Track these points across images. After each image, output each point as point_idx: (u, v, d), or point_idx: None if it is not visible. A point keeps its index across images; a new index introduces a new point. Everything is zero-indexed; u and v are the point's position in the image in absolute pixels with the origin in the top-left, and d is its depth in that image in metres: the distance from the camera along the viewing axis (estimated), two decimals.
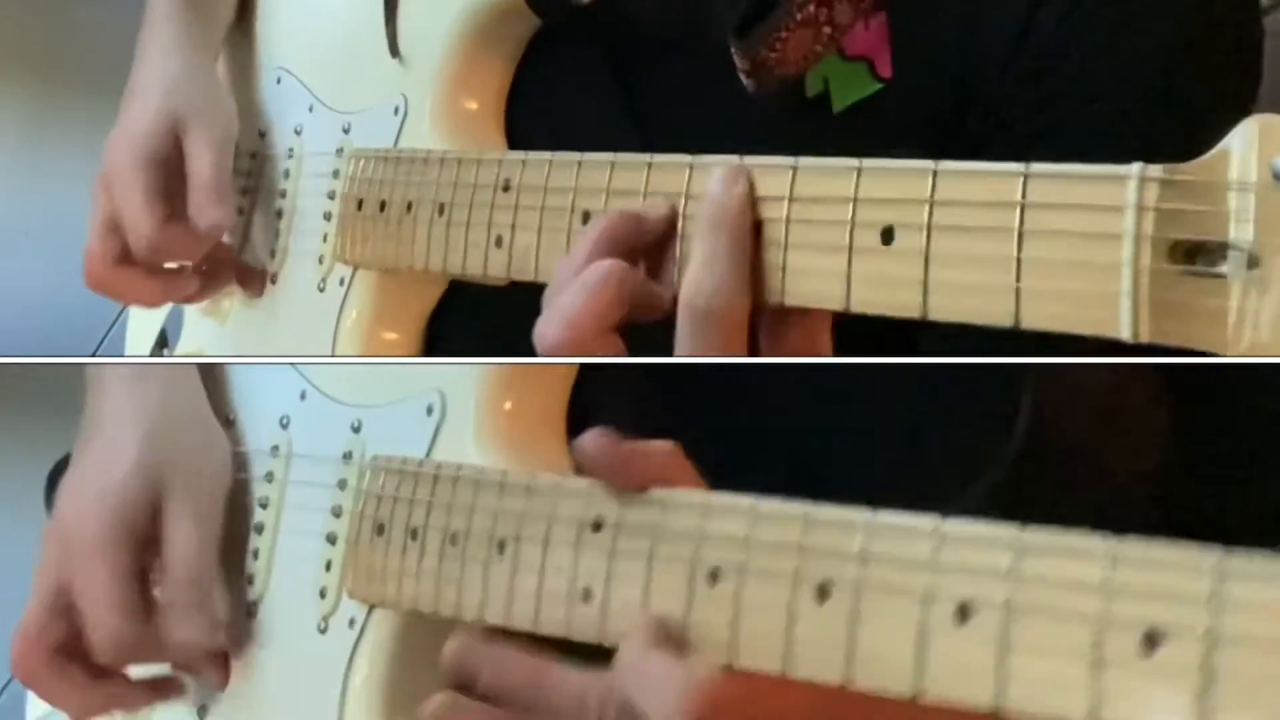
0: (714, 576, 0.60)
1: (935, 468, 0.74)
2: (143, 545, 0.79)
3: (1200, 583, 0.46)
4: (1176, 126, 0.71)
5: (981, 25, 0.73)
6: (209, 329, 1.00)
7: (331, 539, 0.79)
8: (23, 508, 0.86)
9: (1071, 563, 0.49)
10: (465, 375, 0.77)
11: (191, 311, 1.03)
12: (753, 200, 0.64)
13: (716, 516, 0.60)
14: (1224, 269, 0.52)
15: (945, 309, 0.59)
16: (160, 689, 0.83)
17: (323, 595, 0.79)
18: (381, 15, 0.89)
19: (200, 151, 0.90)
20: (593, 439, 0.64)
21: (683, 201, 0.68)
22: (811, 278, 0.63)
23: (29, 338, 1.34)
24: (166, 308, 1.03)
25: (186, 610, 0.77)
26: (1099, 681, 0.48)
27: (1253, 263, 0.51)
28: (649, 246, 0.68)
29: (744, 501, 0.60)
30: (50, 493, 1.06)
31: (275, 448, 0.83)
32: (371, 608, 0.77)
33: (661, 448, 0.64)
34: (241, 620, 0.83)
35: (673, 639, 0.61)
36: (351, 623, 0.77)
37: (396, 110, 0.89)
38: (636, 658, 0.60)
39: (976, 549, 0.52)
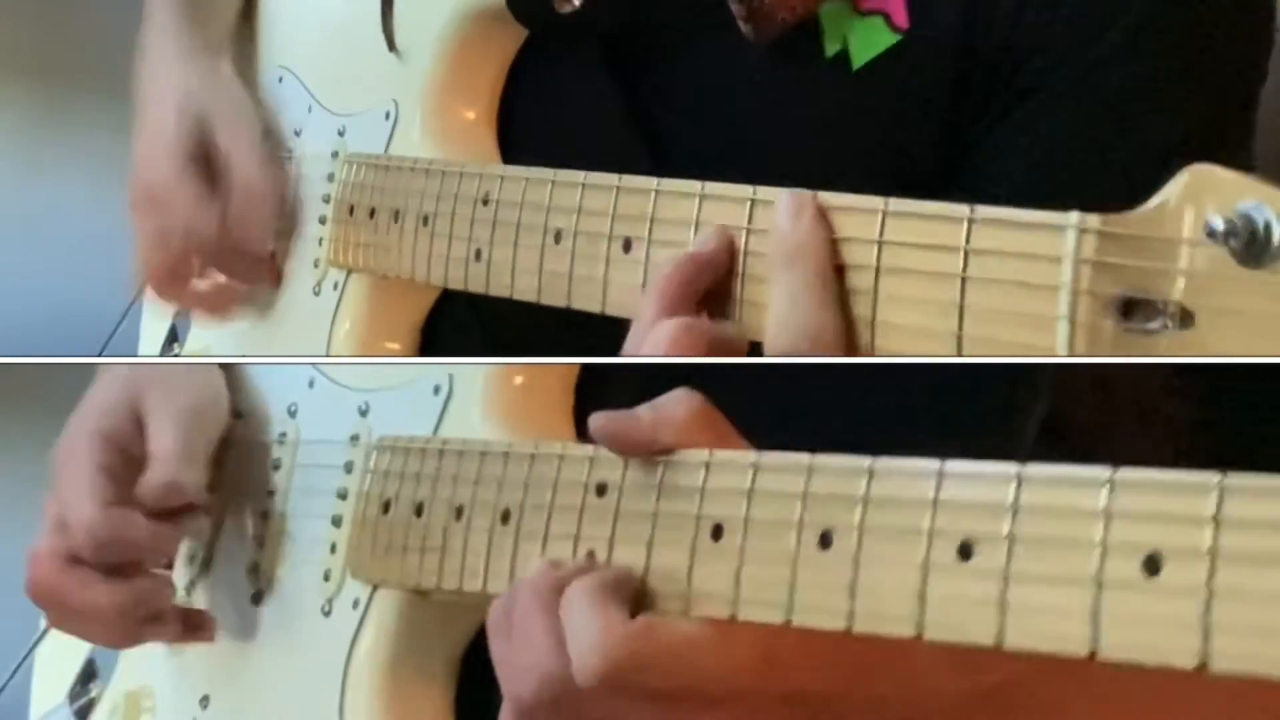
0: (717, 531, 0.60)
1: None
2: (125, 452, 0.80)
3: (1200, 502, 0.46)
4: (1190, 56, 0.71)
5: None
6: (214, 327, 1.01)
7: (336, 521, 0.78)
8: (23, 507, 0.86)
9: (1071, 491, 0.49)
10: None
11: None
12: (831, 239, 0.61)
13: (719, 471, 0.60)
14: (1156, 326, 0.52)
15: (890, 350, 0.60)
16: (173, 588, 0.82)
17: (327, 578, 0.78)
18: (378, 15, 0.90)
19: (237, 150, 0.89)
20: (601, 416, 0.63)
21: (692, 230, 0.66)
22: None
23: (29, 337, 1.35)
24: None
25: (165, 463, 0.79)
26: (1101, 607, 0.48)
27: (1187, 320, 0.51)
28: (712, 285, 0.65)
29: (747, 455, 0.60)
30: None
31: (283, 435, 0.84)
32: (375, 589, 0.77)
33: (674, 402, 0.63)
34: (245, 609, 0.83)
35: (634, 597, 0.61)
36: (355, 604, 0.77)
37: (388, 115, 0.89)
38: (578, 592, 0.60)
39: (977, 485, 0.52)
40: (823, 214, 0.61)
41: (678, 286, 0.65)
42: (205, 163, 0.90)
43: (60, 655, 0.95)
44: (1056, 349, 0.54)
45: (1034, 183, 0.72)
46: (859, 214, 0.61)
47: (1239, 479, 0.46)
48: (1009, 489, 0.51)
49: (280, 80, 0.98)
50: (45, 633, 0.94)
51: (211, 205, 0.89)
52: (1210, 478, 0.46)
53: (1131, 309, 0.52)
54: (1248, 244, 0.49)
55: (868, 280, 0.60)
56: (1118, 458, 0.72)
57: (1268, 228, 0.49)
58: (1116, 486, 0.48)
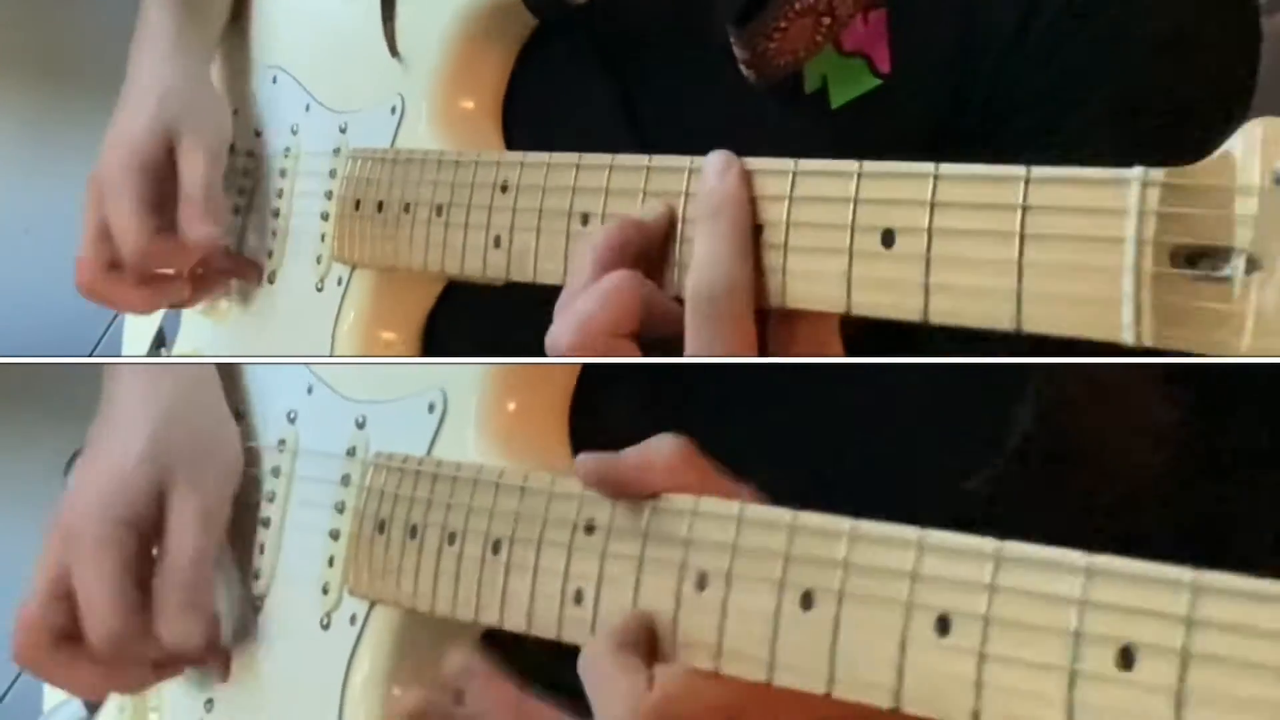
0: (702, 582, 0.60)
1: (936, 460, 0.74)
2: (145, 537, 0.78)
3: (1175, 600, 0.45)
4: (1174, 119, 0.70)
5: (980, 19, 0.73)
6: (207, 328, 1.00)
7: (335, 535, 0.79)
8: (23, 506, 0.86)
9: (1049, 576, 0.49)
10: (469, 374, 0.77)
11: (189, 311, 1.03)
12: (751, 198, 0.64)
13: (705, 521, 0.60)
14: (1226, 273, 0.51)
15: (946, 313, 0.58)
16: (162, 670, 0.82)
17: (325, 591, 0.79)
18: (379, 15, 0.88)
19: (192, 163, 0.89)
20: (587, 460, 0.64)
21: (682, 202, 0.67)
22: (812, 280, 0.62)
23: (29, 337, 1.35)
24: (162, 310, 1.04)
25: (180, 611, 0.77)
26: (1075, 696, 0.47)
27: (1253, 266, 0.50)
28: (651, 252, 0.67)
29: (732, 507, 0.59)
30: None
31: (282, 442, 0.84)
32: (373, 605, 0.77)
33: (658, 447, 0.63)
34: (246, 616, 0.83)
35: (649, 640, 0.61)
36: (353, 619, 0.77)
37: (393, 110, 0.88)
38: (594, 658, 0.60)
39: (957, 560, 0.51)
40: (747, 173, 0.63)
41: (613, 244, 0.66)
42: (161, 177, 0.90)
43: None
44: (1122, 300, 0.52)
45: None
46: (773, 173, 0.63)
47: (1211, 578, 0.45)
48: (987, 568, 0.50)
49: (274, 80, 0.97)
50: None
51: (146, 215, 0.89)
52: (1183, 574, 0.46)
53: (1198, 258, 0.51)
54: None
55: (780, 235, 0.63)
56: (1107, 466, 0.72)
57: None
58: (1092, 575, 0.48)
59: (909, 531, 0.53)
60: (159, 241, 0.89)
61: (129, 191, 0.89)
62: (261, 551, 0.83)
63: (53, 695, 0.97)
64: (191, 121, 0.91)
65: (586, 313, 0.64)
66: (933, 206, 0.59)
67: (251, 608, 0.83)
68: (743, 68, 0.74)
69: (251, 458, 0.85)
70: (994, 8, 0.72)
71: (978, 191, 0.58)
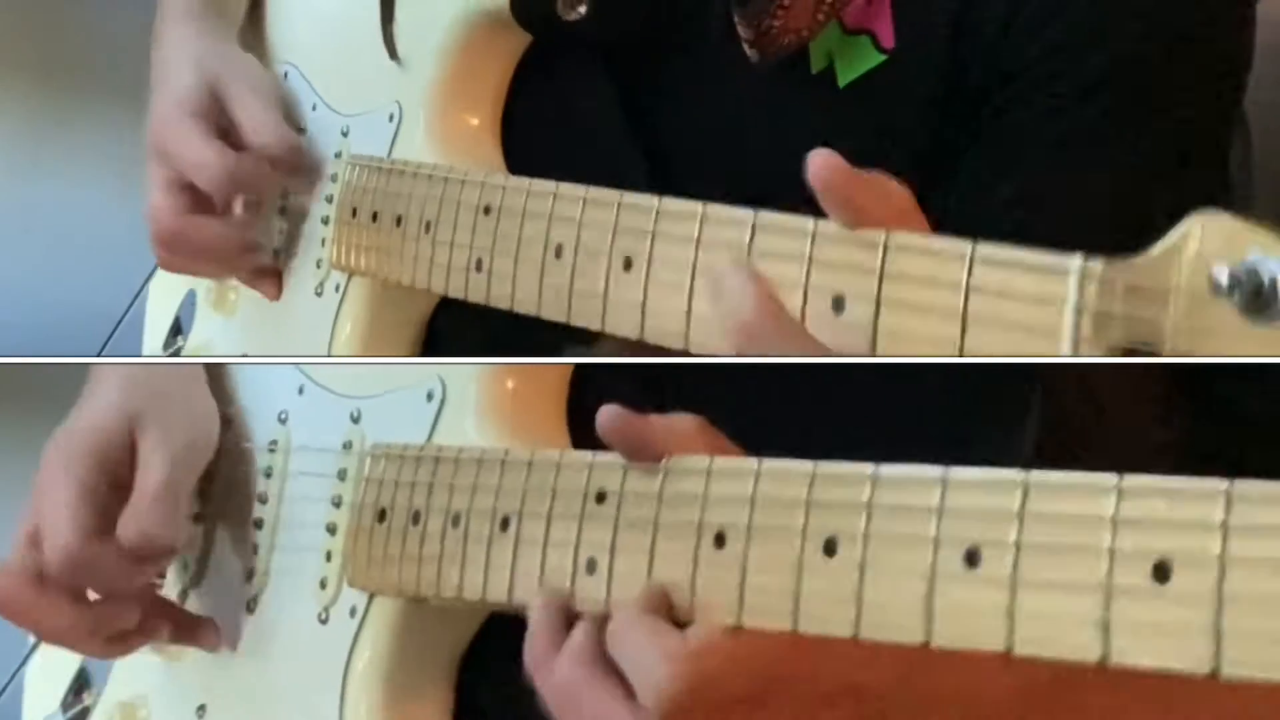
0: (720, 539, 0.60)
1: None
2: (111, 478, 0.79)
3: (1208, 509, 0.46)
4: (1171, 80, 0.72)
5: None
6: (218, 323, 1.00)
7: (331, 529, 0.78)
8: (23, 506, 0.85)
9: (1079, 498, 0.49)
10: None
11: (203, 305, 1.01)
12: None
13: (721, 478, 0.60)
14: None
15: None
16: (147, 610, 0.81)
17: (323, 586, 0.78)
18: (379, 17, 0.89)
19: (245, 100, 0.88)
20: (613, 413, 0.63)
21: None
22: None
23: (29, 337, 1.34)
24: (181, 294, 1.03)
25: (141, 514, 0.77)
26: (1111, 614, 0.48)
27: None
28: None
29: (749, 462, 0.60)
30: None
31: (274, 443, 0.83)
32: (372, 596, 0.76)
33: (685, 422, 0.64)
34: (240, 618, 0.83)
35: (670, 608, 0.61)
36: (353, 612, 0.77)
37: (391, 117, 0.89)
38: (624, 629, 0.60)
39: (983, 492, 0.52)
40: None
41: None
42: (218, 120, 0.89)
43: (53, 664, 0.94)
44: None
45: (1013, 205, 0.72)
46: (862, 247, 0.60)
47: (1246, 485, 0.46)
48: (1015, 496, 0.51)
49: (286, 76, 0.97)
50: (37, 645, 0.94)
51: (218, 146, 0.88)
52: (1218, 484, 0.46)
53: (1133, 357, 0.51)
54: (1253, 298, 0.47)
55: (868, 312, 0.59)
56: None
57: (1274, 282, 0.47)
58: (1124, 493, 0.48)
59: (933, 469, 0.54)
60: (243, 161, 0.88)
61: (196, 132, 0.87)
62: (255, 552, 0.83)
63: (32, 712, 0.95)
64: (231, 66, 0.91)
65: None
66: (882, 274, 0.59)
67: (245, 610, 0.82)
68: (746, 47, 0.75)
69: (243, 459, 0.84)
70: None
71: (924, 264, 0.58)
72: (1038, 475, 0.51)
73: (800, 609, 0.56)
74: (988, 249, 0.55)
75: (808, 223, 0.61)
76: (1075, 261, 0.52)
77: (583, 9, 0.80)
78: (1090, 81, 0.72)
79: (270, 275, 0.94)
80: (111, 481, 0.79)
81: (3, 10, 1.46)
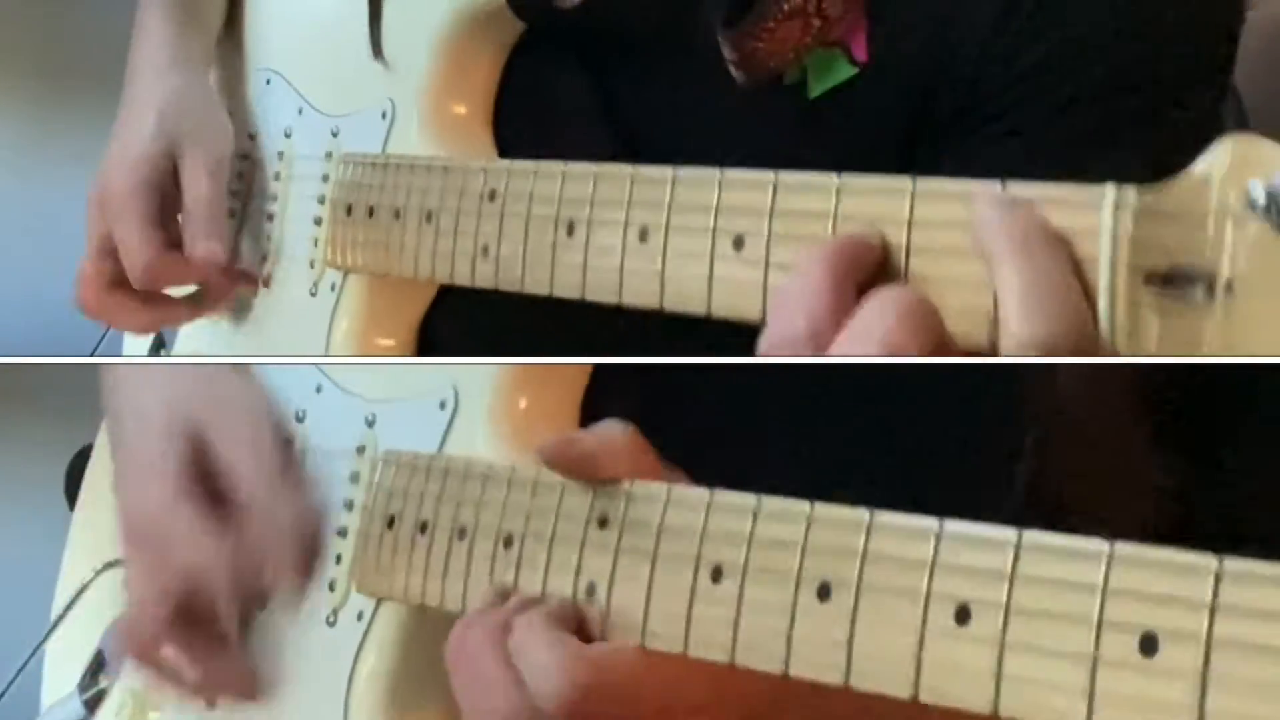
0: (717, 574, 0.60)
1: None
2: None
3: (1199, 586, 0.46)
4: (1149, 105, 0.71)
5: (960, 8, 0.73)
6: (207, 331, 1.00)
7: (342, 533, 0.79)
8: (23, 506, 0.86)
9: (1070, 564, 0.49)
10: (480, 371, 0.77)
11: None
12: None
13: (720, 514, 0.60)
14: (1198, 295, 0.50)
15: None
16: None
17: (332, 588, 0.79)
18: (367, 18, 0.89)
19: (196, 179, 0.90)
20: (549, 443, 0.65)
21: (904, 233, 0.59)
22: None
23: (29, 337, 1.35)
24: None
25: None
26: (1097, 684, 0.47)
27: (1229, 291, 0.50)
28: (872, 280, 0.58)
29: (748, 499, 0.60)
30: (70, 484, 1.07)
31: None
32: (380, 601, 0.77)
33: (612, 431, 0.65)
34: (251, 614, 0.83)
35: (573, 620, 0.63)
36: (360, 615, 0.77)
37: (384, 115, 0.88)
38: (522, 635, 0.62)
39: (976, 550, 0.52)
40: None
41: (850, 260, 0.57)
42: (165, 193, 0.91)
43: (71, 646, 0.95)
44: (1100, 323, 0.52)
45: None
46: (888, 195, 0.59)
47: (1236, 564, 0.45)
48: (1007, 556, 0.51)
49: (268, 83, 0.97)
50: (55, 627, 0.95)
51: (153, 233, 0.90)
52: (1208, 561, 0.46)
53: (1172, 281, 0.51)
54: None
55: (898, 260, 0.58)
56: (1099, 524, 0.71)
57: None
58: (1114, 562, 0.48)
59: (927, 521, 0.53)
60: (165, 259, 0.90)
61: (134, 210, 0.90)
62: None
63: (52, 691, 0.97)
64: (193, 134, 0.92)
65: (890, 342, 0.55)
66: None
67: (257, 605, 0.83)
68: (731, 68, 0.74)
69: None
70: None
71: (954, 208, 0.57)
72: (1031, 536, 0.50)
73: (792, 653, 0.56)
74: (1018, 186, 0.55)
75: (831, 178, 0.60)
76: (1109, 190, 0.52)
77: None
78: (1064, 105, 0.71)
79: (245, 279, 0.96)
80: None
81: (3, 10, 1.47)
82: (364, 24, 0.89)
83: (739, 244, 0.64)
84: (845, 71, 0.75)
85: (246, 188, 0.97)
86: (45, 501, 0.93)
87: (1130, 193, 0.52)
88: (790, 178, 0.63)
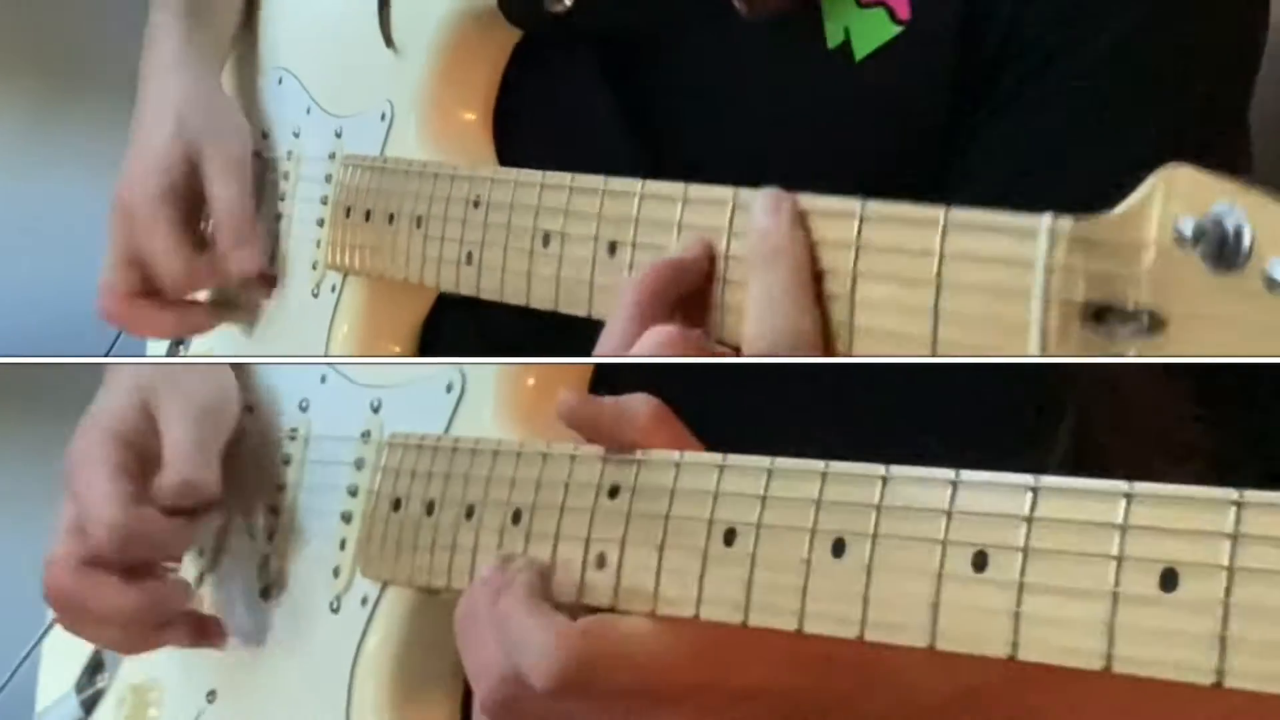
0: (730, 536, 0.59)
1: None
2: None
3: (1218, 517, 0.46)
4: (1178, 62, 0.71)
5: None
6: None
7: (347, 518, 0.78)
8: (23, 506, 0.86)
9: (1087, 504, 0.49)
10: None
11: None
12: (811, 242, 0.60)
13: (733, 475, 0.60)
14: (1127, 333, 0.50)
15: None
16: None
17: (336, 574, 0.78)
18: (374, 14, 0.89)
19: (221, 184, 0.90)
20: (571, 397, 0.65)
21: (724, 239, 0.64)
22: (879, 339, 0.59)
23: (29, 337, 1.35)
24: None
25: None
26: (1117, 621, 0.47)
27: (1157, 326, 0.50)
28: (690, 294, 0.64)
29: (762, 460, 0.59)
30: None
31: (294, 430, 0.84)
32: (384, 586, 0.76)
33: (634, 401, 0.64)
34: (253, 604, 0.83)
35: (554, 591, 0.63)
36: (364, 601, 0.77)
37: (383, 116, 0.89)
38: (505, 608, 0.61)
39: (992, 495, 0.52)
40: (800, 214, 0.60)
41: (654, 290, 0.64)
42: (189, 199, 0.91)
43: (67, 647, 0.94)
44: (1029, 355, 0.53)
45: (1026, 178, 0.72)
46: (835, 218, 0.60)
47: (1256, 495, 0.45)
48: (1024, 500, 0.50)
49: (280, 81, 0.97)
50: (50, 627, 0.94)
51: (184, 240, 0.90)
52: (1228, 493, 0.46)
53: (1104, 315, 0.51)
54: (1218, 248, 0.47)
55: (844, 285, 0.59)
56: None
57: (1238, 231, 0.47)
58: (1133, 500, 0.48)
59: (944, 471, 0.53)
60: (199, 266, 0.91)
61: (162, 220, 0.90)
62: (270, 539, 0.83)
63: (46, 693, 0.96)
64: (212, 136, 0.91)
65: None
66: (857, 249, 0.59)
67: (259, 597, 0.82)
68: (735, 2, 0.75)
69: (263, 446, 0.84)
70: None
71: (897, 235, 0.58)
72: (1047, 480, 0.50)
73: (806, 609, 0.56)
74: (960, 214, 0.55)
75: (927, 211, 0.59)
76: (1044, 219, 0.52)
77: (568, 1, 0.80)
78: (1103, 56, 0.72)
79: (265, 283, 0.95)
80: (139, 455, 0.80)
81: (3, 10, 1.47)
82: (371, 22, 0.89)
83: None
84: (890, 31, 0.75)
85: (258, 188, 0.97)
86: (44, 501, 0.92)
87: (1065, 223, 0.52)
88: (750, 196, 0.63)
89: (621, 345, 0.64)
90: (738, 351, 0.63)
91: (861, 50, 0.76)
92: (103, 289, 0.93)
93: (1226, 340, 0.48)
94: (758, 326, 0.61)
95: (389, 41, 0.88)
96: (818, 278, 0.60)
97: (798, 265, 0.60)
